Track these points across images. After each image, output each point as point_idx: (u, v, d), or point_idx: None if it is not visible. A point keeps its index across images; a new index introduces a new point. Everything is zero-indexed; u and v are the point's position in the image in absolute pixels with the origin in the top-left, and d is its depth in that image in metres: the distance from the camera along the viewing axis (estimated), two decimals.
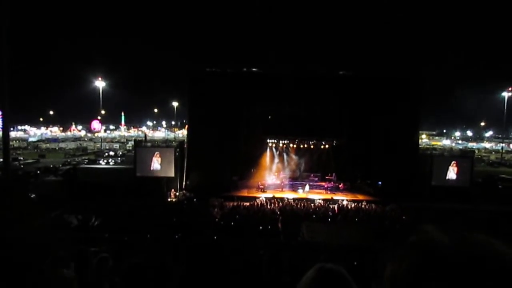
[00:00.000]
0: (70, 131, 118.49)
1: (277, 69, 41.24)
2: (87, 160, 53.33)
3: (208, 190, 26.37)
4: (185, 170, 30.32)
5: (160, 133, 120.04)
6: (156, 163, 28.91)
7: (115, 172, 32.57)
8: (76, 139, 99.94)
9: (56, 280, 1.64)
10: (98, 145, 79.57)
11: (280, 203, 25.06)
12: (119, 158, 57.29)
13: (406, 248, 0.96)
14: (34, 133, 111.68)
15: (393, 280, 0.90)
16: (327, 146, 32.88)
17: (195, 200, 26.24)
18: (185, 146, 32.01)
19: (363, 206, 25.39)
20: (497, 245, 0.83)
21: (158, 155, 28.94)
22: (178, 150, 29.70)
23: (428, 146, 73.57)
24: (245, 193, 29.14)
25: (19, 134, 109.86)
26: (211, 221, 19.15)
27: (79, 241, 11.13)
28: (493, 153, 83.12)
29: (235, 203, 24.98)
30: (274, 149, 33.93)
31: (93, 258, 4.31)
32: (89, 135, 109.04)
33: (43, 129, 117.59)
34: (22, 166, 46.75)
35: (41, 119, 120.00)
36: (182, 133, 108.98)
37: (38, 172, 40.00)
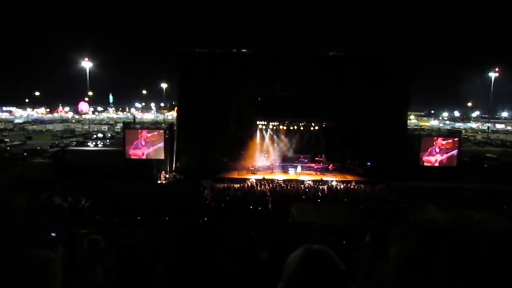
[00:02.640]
0: (57, 112, 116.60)
1: (267, 50, 40.86)
2: (75, 142, 52.69)
3: (199, 172, 26.37)
4: (175, 152, 30.20)
5: (150, 115, 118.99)
6: (146, 144, 28.84)
7: (104, 154, 32.39)
8: (63, 120, 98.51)
9: (31, 262, 1.58)
10: (86, 127, 78.54)
11: (271, 185, 25.22)
12: (107, 140, 56.81)
13: (408, 228, 0.99)
14: (20, 114, 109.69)
15: (398, 258, 0.94)
16: (317, 127, 32.96)
17: (185, 182, 26.33)
18: (175, 128, 31.81)
19: (352, 186, 25.66)
20: (488, 220, 0.86)
21: (147, 137, 28.82)
22: (168, 132, 29.51)
23: (416, 127, 74.32)
24: (235, 174, 29.22)
25: (5, 115, 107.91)
26: (202, 202, 19.24)
27: (69, 224, 11.11)
28: (480, 133, 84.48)
29: (226, 185, 25.09)
30: (264, 131, 33.93)
31: (84, 240, 4.30)
32: (76, 116, 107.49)
33: (29, 110, 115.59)
34: (8, 148, 46.10)
35: (27, 101, 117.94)
36: (172, 115, 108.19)
37: (25, 154, 39.52)
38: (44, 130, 78.20)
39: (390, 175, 25.72)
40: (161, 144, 28.68)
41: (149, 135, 28.74)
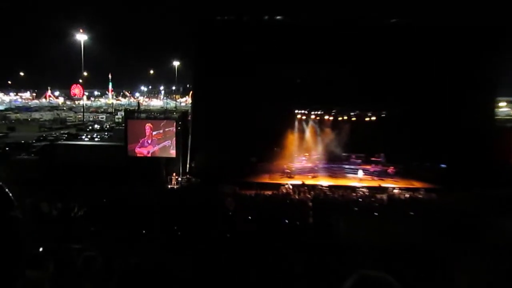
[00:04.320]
0: (46, 98, 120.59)
1: (309, 17, 40.46)
2: (66, 135, 54.43)
3: (219, 175, 26.66)
4: (189, 149, 30.63)
5: (158, 102, 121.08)
6: (153, 140, 29.42)
7: (101, 150, 33.20)
8: (52, 108, 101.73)
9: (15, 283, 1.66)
10: (79, 116, 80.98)
11: (312, 192, 25.21)
12: (106, 133, 58.23)
13: (487, 252, 0.95)
14: (1, 100, 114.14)
15: None
16: (373, 118, 32.42)
17: (202, 187, 26.74)
18: (189, 118, 32.17)
19: (420, 195, 25.33)
20: None
21: (155, 130, 29.41)
22: (180, 123, 29.99)
23: (509, 117, 71.75)
24: (266, 178, 29.40)
25: None
26: (223, 214, 19.41)
27: (60, 237, 11.50)
28: None
29: (254, 192, 25.20)
30: (304, 123, 33.75)
31: (77, 257, 4.40)
32: (68, 103, 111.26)
33: (12, 95, 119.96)
34: None
35: (9, 83, 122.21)
36: (186, 101, 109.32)
37: (7, 149, 41.08)
38: (29, 119, 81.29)
39: (472, 180, 25.03)
40: (172, 139, 29.26)
41: (156, 128, 29.40)
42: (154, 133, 29.24)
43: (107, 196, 21.11)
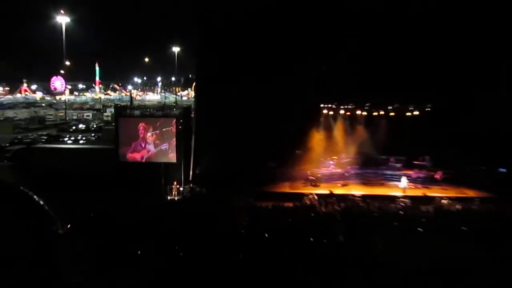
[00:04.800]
0: (21, 92, 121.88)
1: None
2: (45, 137, 54.92)
3: (229, 183, 26.64)
4: (192, 152, 30.85)
5: (154, 96, 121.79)
6: (149, 142, 29.59)
7: (87, 155, 33.44)
8: (29, 104, 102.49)
9: None
10: (61, 114, 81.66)
11: (342, 204, 25.15)
12: (93, 134, 58.71)
13: None
14: None
15: None
16: (416, 112, 32.17)
17: (208, 197, 26.79)
18: (193, 115, 32.26)
19: (474, 206, 25.11)
20: None
21: (151, 129, 29.51)
22: (181, 121, 30.16)
23: None
24: (286, 187, 29.46)
25: None
26: (234, 231, 19.41)
27: (37, 260, 11.59)
28: None
29: (271, 204, 25.10)
30: (332, 120, 33.61)
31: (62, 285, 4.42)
32: (48, 98, 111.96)
33: None
34: None
35: None
36: (188, 94, 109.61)
37: None
38: (1, 118, 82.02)
39: None
40: (171, 141, 29.40)
41: (152, 128, 29.52)
42: (149, 134, 29.42)
43: (94, 211, 21.24)
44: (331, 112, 33.65)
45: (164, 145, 29.48)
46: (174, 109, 33.19)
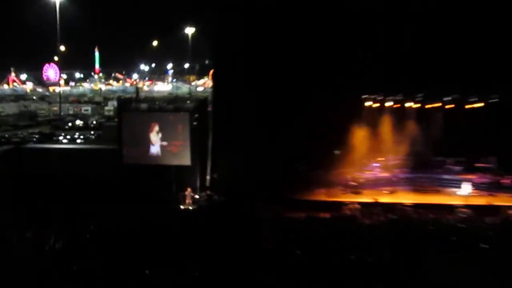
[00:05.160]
0: (8, 83, 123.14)
1: None
2: (37, 135, 55.44)
3: (253, 190, 26.87)
4: (209, 153, 31.09)
5: (164, 86, 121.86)
6: (157, 141, 29.88)
7: (86, 156, 33.66)
8: (18, 97, 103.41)
9: None
10: (55, 109, 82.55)
11: (389, 214, 25.09)
12: (92, 132, 59.05)
13: None
14: None
15: None
16: (480, 104, 31.85)
17: (228, 206, 26.80)
18: (210, 108, 32.40)
19: None
20: None
21: (161, 126, 29.82)
22: (197, 116, 30.32)
23: None
24: (322, 195, 29.37)
25: None
26: (260, 247, 19.41)
27: (30, 277, 11.78)
28: None
29: (304, 214, 25.10)
30: (376, 114, 33.38)
31: None
32: (40, 90, 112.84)
33: None
34: None
35: None
36: (204, 84, 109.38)
37: None
38: None
39: None
40: (185, 140, 29.58)
41: (162, 124, 29.89)
42: (158, 131, 29.77)
43: (95, 222, 21.43)
44: (375, 105, 33.26)
45: (176, 144, 29.73)
46: (188, 102, 33.30)
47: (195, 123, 29.94)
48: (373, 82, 31.54)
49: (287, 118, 29.03)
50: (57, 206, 23.99)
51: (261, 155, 28.48)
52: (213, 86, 34.62)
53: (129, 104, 32.02)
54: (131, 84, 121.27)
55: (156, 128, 29.94)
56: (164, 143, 30.02)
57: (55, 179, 28.53)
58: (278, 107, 28.93)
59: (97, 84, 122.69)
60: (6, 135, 56.16)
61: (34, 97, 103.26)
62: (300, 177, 30.15)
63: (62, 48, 74.50)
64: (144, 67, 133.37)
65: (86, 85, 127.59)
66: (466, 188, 29.18)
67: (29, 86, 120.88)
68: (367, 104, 33.21)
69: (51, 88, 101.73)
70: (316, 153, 30.71)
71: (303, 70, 29.43)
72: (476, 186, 29.66)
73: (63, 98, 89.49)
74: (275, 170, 28.60)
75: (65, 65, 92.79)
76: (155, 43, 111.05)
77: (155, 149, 29.99)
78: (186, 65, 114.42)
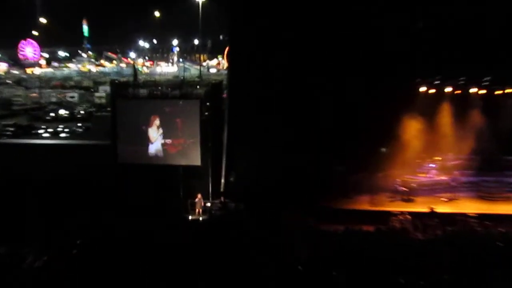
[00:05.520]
0: None
1: None
2: (12, 129, 55.64)
3: (279, 196, 26.81)
4: (225, 151, 31.15)
5: (169, 67, 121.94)
6: (159, 136, 29.93)
7: (72, 154, 33.75)
8: None
9: None
10: (34, 95, 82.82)
11: (449, 227, 24.91)
12: (80, 124, 59.21)
13: None
14: None
15: None
16: None
17: (247, 216, 26.64)
18: (225, 95, 32.35)
19: None
20: None
21: (165, 117, 29.82)
22: (208, 104, 30.43)
23: None
24: (364, 203, 29.55)
25: None
26: (288, 268, 19.31)
27: None
28: None
29: (342, 227, 24.98)
30: (434, 102, 33.16)
31: None
32: (16, 72, 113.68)
33: None
34: None
35: None
36: (218, 65, 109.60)
37: None
38: None
39: None
40: (195, 135, 29.50)
41: (167, 115, 29.83)
42: (161, 123, 29.80)
43: (83, 235, 21.41)
44: (432, 91, 33.01)
45: (184, 139, 29.71)
46: (198, 87, 33.20)
47: (206, 113, 30.03)
48: (428, 63, 31.31)
49: (321, 108, 28.88)
50: (37, 216, 24.05)
51: (288, 153, 28.47)
52: (229, 68, 34.41)
53: (125, 90, 31.87)
54: (128, 65, 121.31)
55: (157, 122, 30.03)
56: (168, 140, 30.01)
57: (35, 181, 28.49)
58: (309, 94, 28.82)
59: (85, 65, 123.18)
60: None
61: (8, 81, 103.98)
62: (337, 181, 30.11)
63: (43, 21, 74.79)
64: (143, 44, 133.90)
65: (72, 66, 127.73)
66: None
67: (1, 67, 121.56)
68: (421, 89, 32.92)
69: (28, 70, 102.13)
70: (357, 151, 30.62)
71: (340, 49, 29.30)
72: None
73: (44, 82, 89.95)
74: (306, 172, 28.56)
75: (46, 42, 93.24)
76: (157, 14, 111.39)
77: (154, 147, 30.01)
78: (196, 42, 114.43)
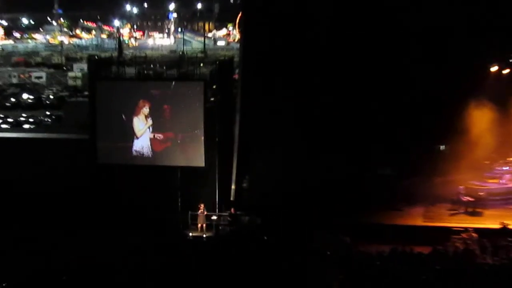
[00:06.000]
0: None
1: None
2: None
3: (307, 208, 26.94)
4: (236, 149, 31.19)
5: (164, 39, 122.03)
6: (152, 127, 29.78)
7: (38, 151, 33.79)
8: None
9: None
10: None
11: None
12: (48, 113, 59.37)
13: None
14: None
15: None
16: None
17: (263, 233, 26.60)
18: (237, 75, 32.54)
19: None
20: None
21: (158, 104, 29.72)
22: (215, 87, 30.48)
23: None
24: (417, 217, 29.34)
25: None
26: None
27: None
28: None
29: (388, 248, 25.00)
30: (507, 86, 33.06)
31: None
32: None
33: None
34: None
35: None
36: (228, 36, 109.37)
37: None
38: None
39: None
40: (196, 126, 29.38)
41: (159, 100, 29.74)
42: (152, 112, 29.59)
43: (51, 260, 21.61)
44: (506, 71, 32.97)
45: (182, 133, 29.65)
46: (201, 65, 33.24)
47: (212, 99, 29.95)
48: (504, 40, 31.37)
49: (362, 96, 28.97)
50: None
51: (319, 152, 28.49)
52: (243, 40, 34.38)
53: (107, 69, 31.80)
54: (110, 36, 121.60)
55: (145, 110, 29.77)
56: (159, 135, 29.86)
57: None
58: (347, 76, 28.82)
59: (56, 36, 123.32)
60: None
61: None
62: (382, 189, 29.99)
63: None
64: (130, 9, 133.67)
65: (39, 38, 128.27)
66: None
67: None
68: (492, 69, 32.87)
69: None
70: (408, 150, 30.66)
71: (390, 26, 29.53)
72: None
73: (2, 58, 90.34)
74: (342, 177, 28.58)
75: (5, 6, 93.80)
76: None
77: (140, 142, 29.91)
78: (199, 6, 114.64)
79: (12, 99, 67.40)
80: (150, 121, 29.77)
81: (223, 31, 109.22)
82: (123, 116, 30.00)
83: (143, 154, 30.01)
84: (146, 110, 29.69)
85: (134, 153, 29.99)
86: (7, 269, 20.57)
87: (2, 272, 20.25)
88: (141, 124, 29.73)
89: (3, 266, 20.70)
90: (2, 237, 24.13)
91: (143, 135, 29.81)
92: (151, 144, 29.81)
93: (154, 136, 29.82)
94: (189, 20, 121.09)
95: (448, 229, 27.44)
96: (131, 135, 29.93)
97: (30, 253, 22.73)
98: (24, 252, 22.96)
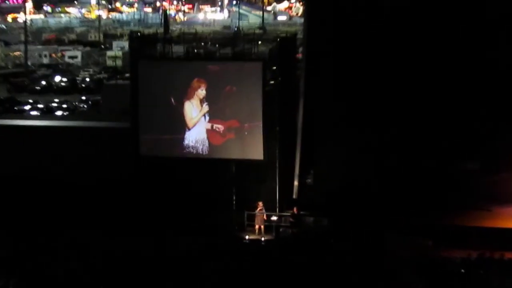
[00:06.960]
0: None
1: None
2: None
3: (379, 208, 26.98)
4: (299, 141, 31.21)
5: (216, 14, 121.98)
6: (204, 115, 29.87)
7: (73, 140, 33.89)
8: None
9: None
10: (18, 53, 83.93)
11: None
12: (83, 98, 59.62)
13: None
14: None
15: None
16: None
17: (334, 239, 26.52)
18: (301, 55, 32.42)
19: None
20: None
21: (211, 88, 29.67)
22: (275, 68, 30.32)
23: None
24: (508, 220, 28.89)
25: None
26: None
27: None
28: None
29: (476, 253, 24.82)
30: None
31: None
32: None
33: None
34: None
35: None
36: (290, 10, 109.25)
37: None
38: None
39: None
40: (255, 114, 29.43)
41: (213, 81, 29.58)
42: (205, 97, 29.45)
43: (86, 259, 21.72)
44: None
45: (238, 122, 29.55)
46: (260, 43, 33.19)
47: (272, 82, 29.82)
48: None
49: (443, 79, 28.83)
50: (18, 230, 24.54)
51: (393, 144, 28.39)
52: (307, 14, 34.33)
53: (151, 47, 31.87)
54: (155, 10, 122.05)
55: (200, 92, 29.58)
56: (217, 125, 29.64)
57: (16, 182, 28.81)
58: (428, 60, 28.73)
59: (93, 10, 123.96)
60: None
61: None
62: (467, 186, 29.73)
63: None
64: None
65: (74, 11, 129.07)
66: None
67: None
68: None
69: (10, 16, 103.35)
70: (497, 140, 30.43)
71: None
72: None
73: (32, 34, 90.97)
74: (419, 174, 28.47)
75: None
76: None
77: (194, 134, 29.85)
78: None
79: (43, 82, 67.46)
80: (206, 107, 29.52)
81: (285, 4, 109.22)
82: (172, 100, 29.76)
83: (197, 150, 29.81)
84: (201, 92, 29.45)
85: (185, 148, 29.84)
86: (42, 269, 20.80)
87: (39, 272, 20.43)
88: (194, 111, 29.48)
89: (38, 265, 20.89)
90: (24, 234, 24.17)
91: (196, 125, 29.60)
92: (207, 137, 29.59)
93: (212, 126, 29.55)
94: None
95: None
96: (182, 126, 29.78)
97: (66, 253, 22.64)
98: (57, 243, 22.99)
